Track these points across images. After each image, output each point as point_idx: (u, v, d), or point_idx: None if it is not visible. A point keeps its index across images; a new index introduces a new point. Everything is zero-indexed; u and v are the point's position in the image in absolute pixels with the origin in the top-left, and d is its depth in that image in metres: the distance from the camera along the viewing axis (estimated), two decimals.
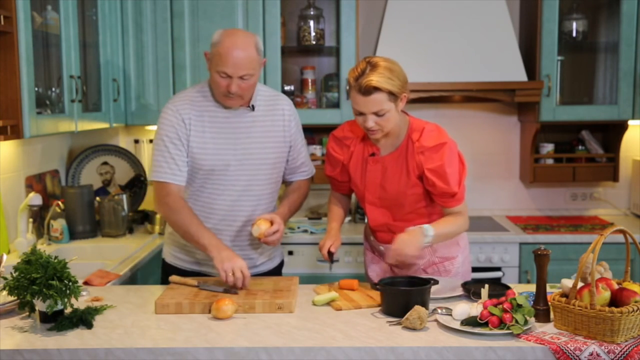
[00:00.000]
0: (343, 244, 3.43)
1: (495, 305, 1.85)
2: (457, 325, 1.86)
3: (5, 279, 1.96)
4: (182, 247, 2.48)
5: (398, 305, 1.98)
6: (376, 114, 2.20)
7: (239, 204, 2.39)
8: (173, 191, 2.32)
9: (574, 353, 1.72)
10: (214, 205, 2.38)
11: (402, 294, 2.02)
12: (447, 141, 2.30)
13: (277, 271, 2.56)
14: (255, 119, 2.40)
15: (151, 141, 3.74)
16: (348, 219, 3.86)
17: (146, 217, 3.55)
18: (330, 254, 2.33)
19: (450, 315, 1.93)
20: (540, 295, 1.93)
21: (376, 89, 2.16)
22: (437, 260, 2.46)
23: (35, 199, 2.92)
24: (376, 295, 2.16)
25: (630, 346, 1.72)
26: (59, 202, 3.15)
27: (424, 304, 1.99)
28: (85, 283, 2.40)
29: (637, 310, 1.73)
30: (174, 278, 2.31)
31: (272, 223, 2.29)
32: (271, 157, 2.42)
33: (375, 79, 2.16)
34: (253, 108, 2.39)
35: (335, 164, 2.46)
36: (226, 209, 2.39)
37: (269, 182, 2.44)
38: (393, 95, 2.20)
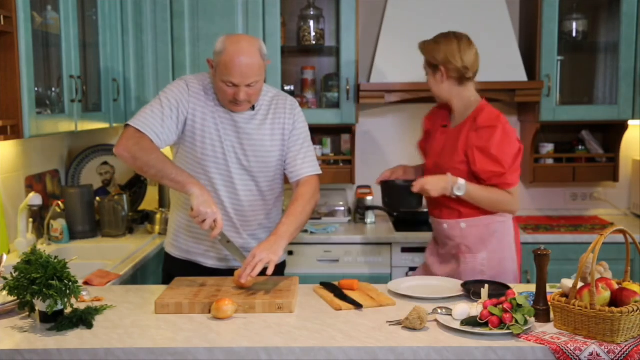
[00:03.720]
0: (343, 244, 3.47)
1: (495, 305, 1.85)
2: (457, 325, 1.86)
3: (5, 279, 1.96)
4: (182, 237, 2.50)
5: (393, 199, 2.55)
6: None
7: (237, 199, 2.40)
8: (143, 136, 2.25)
9: (574, 353, 1.72)
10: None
11: (399, 188, 2.52)
12: (500, 125, 2.45)
13: (279, 270, 2.56)
14: (255, 118, 2.41)
15: None
16: (348, 219, 3.86)
17: (146, 217, 3.55)
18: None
19: (450, 315, 1.93)
20: (540, 295, 1.93)
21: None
22: (464, 248, 2.54)
23: (35, 199, 2.92)
24: (376, 295, 2.17)
25: (630, 346, 1.72)
26: (59, 202, 3.15)
27: (419, 202, 2.49)
28: (85, 283, 2.40)
29: (637, 310, 1.73)
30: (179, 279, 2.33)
31: None
32: (269, 156, 2.42)
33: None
34: (253, 108, 2.41)
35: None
36: (223, 203, 2.39)
37: (268, 180, 2.44)
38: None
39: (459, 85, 2.54)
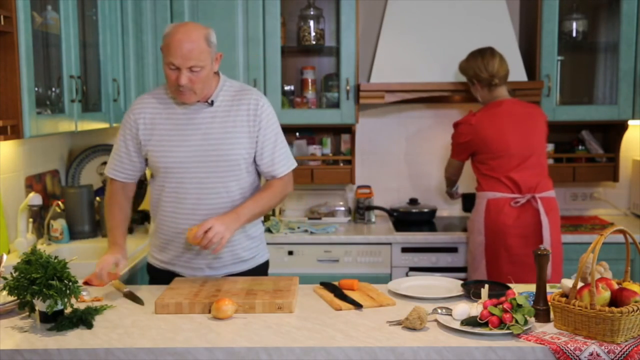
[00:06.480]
0: (343, 244, 3.47)
1: (495, 305, 1.85)
2: (457, 325, 1.86)
3: (5, 279, 1.96)
4: (157, 246, 2.49)
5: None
6: None
7: (204, 202, 2.33)
8: (115, 185, 2.46)
9: (574, 353, 1.72)
10: (180, 204, 2.35)
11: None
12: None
13: (262, 270, 2.53)
14: (215, 115, 2.32)
15: None
16: (348, 219, 3.86)
17: (146, 217, 3.55)
18: None
19: (450, 315, 1.93)
20: (540, 295, 1.93)
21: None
22: None
23: (35, 199, 2.93)
24: (376, 295, 2.18)
25: (630, 346, 1.72)
26: (59, 202, 3.15)
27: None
28: (85, 283, 2.40)
29: (637, 310, 1.73)
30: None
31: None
32: (233, 154, 2.32)
33: None
34: (212, 103, 2.33)
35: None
36: (192, 208, 2.34)
37: (235, 179, 2.35)
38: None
39: (490, 91, 3.20)
